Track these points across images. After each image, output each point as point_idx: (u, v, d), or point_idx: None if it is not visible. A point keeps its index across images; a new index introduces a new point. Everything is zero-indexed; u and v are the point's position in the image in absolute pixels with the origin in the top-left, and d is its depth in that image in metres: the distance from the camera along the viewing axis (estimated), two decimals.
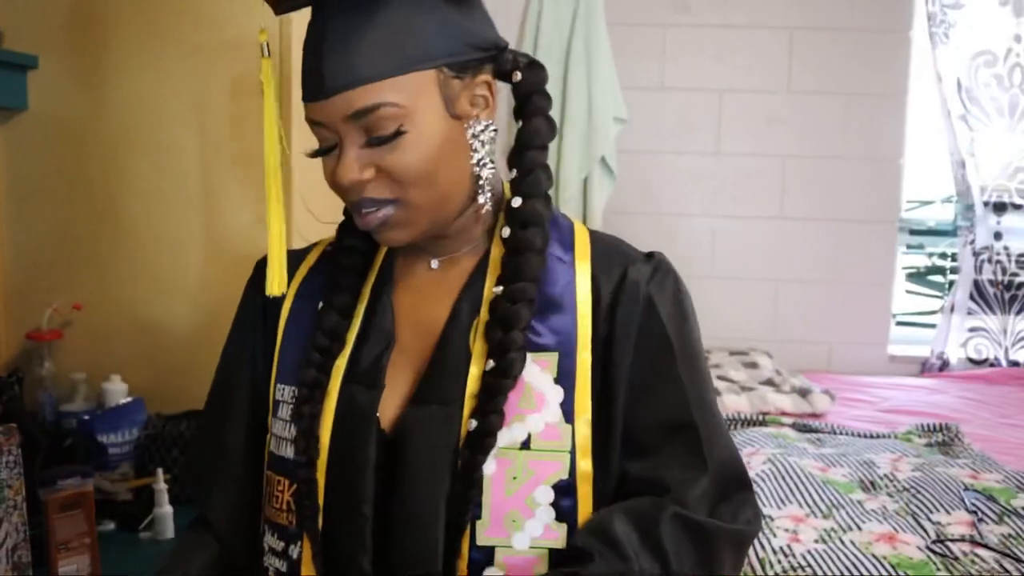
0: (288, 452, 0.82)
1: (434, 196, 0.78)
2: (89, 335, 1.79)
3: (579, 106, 2.33)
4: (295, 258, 0.91)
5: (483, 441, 0.76)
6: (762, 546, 1.42)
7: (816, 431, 2.13)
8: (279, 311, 0.89)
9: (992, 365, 2.95)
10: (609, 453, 0.79)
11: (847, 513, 1.53)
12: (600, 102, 2.33)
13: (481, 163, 0.80)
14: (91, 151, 1.76)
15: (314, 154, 0.79)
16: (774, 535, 1.45)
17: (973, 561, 1.36)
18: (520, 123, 0.84)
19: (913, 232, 3.12)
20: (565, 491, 0.77)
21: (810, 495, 1.61)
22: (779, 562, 1.38)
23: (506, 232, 0.81)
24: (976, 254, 2.92)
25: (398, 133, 0.74)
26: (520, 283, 0.79)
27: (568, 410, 0.78)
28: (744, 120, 2.91)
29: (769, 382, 2.49)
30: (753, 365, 2.63)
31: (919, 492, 1.61)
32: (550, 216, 0.83)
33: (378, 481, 0.78)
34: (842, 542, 1.42)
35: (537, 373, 0.79)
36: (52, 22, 1.75)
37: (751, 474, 1.70)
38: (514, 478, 0.76)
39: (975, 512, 1.52)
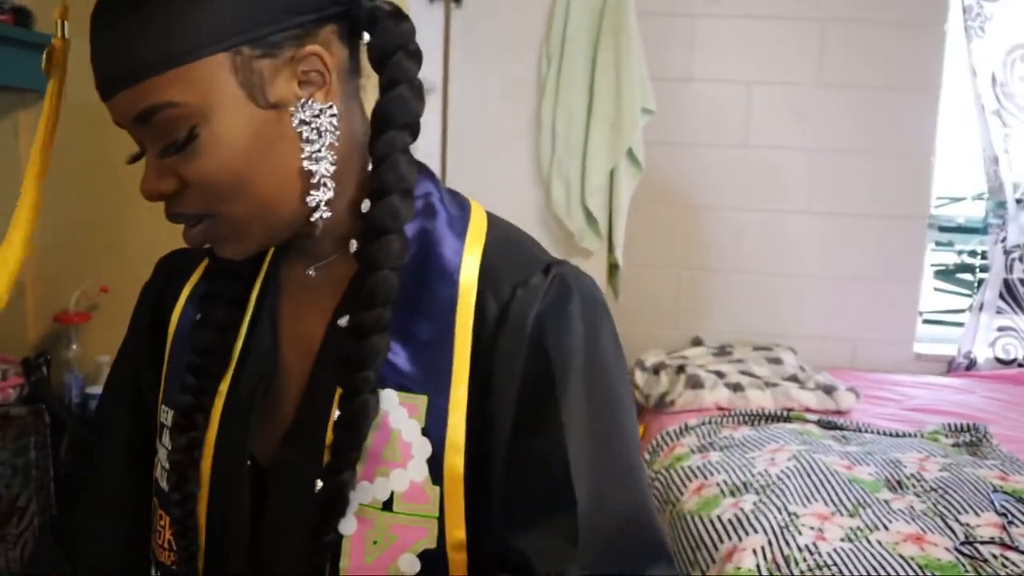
0: (167, 485, 0.72)
1: (253, 206, 0.64)
2: (115, 318, 1.80)
3: (607, 97, 2.31)
4: (191, 258, 0.80)
5: (331, 505, 0.64)
6: (787, 543, 1.41)
7: (841, 428, 2.11)
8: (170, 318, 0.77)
9: (1021, 365, 2.89)
10: (490, 517, 0.66)
11: (873, 512, 1.51)
12: (628, 93, 2.30)
13: (315, 156, 0.64)
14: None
15: (130, 160, 0.68)
16: (799, 532, 1.44)
17: (1004, 565, 1.34)
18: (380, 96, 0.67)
19: (943, 229, 3.07)
20: (433, 561, 0.65)
21: (836, 493, 1.59)
22: (804, 560, 1.36)
23: (353, 245, 0.66)
24: (1007, 252, 2.87)
25: (191, 137, 0.61)
26: (371, 311, 0.64)
27: (436, 468, 0.65)
28: (773, 113, 2.87)
29: (793, 378, 2.46)
30: (777, 361, 2.60)
31: (947, 493, 1.59)
32: (410, 215, 0.66)
33: (254, 527, 0.69)
34: (869, 541, 1.40)
35: (404, 418, 0.65)
36: (83, 4, 1.76)
37: (775, 471, 1.69)
38: (375, 542, 0.65)
39: (1005, 514, 1.49)
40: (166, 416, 0.73)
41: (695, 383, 2.35)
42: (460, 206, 0.71)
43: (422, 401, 0.65)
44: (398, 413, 0.65)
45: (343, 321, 0.66)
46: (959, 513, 1.51)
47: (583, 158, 2.33)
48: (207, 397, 0.71)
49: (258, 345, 0.72)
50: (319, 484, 0.64)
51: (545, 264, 0.68)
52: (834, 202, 2.88)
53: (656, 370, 2.53)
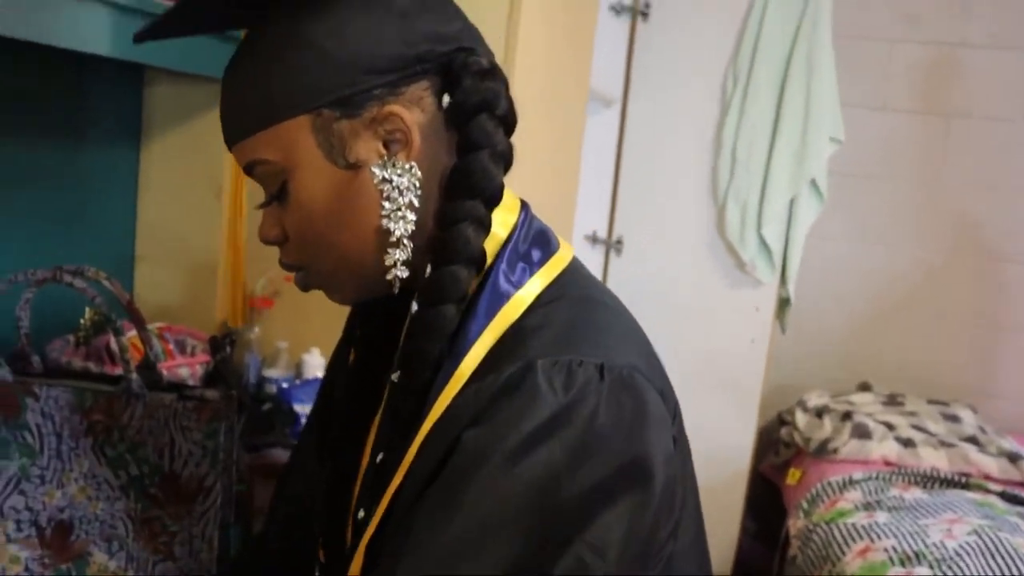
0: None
1: (336, 261, 0.67)
2: (296, 306, 1.88)
3: (794, 123, 2.20)
4: None
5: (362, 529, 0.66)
6: None
7: None
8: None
9: None
10: None
11: None
12: (817, 120, 2.19)
13: (393, 216, 0.64)
14: None
15: (258, 206, 0.70)
16: None
17: None
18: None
19: None
20: None
21: None
22: None
23: (415, 307, 0.64)
24: None
25: (283, 191, 0.65)
26: (415, 375, 0.63)
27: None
28: (972, 149, 2.66)
29: (972, 440, 2.27)
30: (954, 418, 2.40)
31: None
32: (469, 280, 0.63)
33: None
34: None
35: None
36: None
37: (953, 544, 1.56)
38: None
39: None
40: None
41: (862, 433, 2.21)
42: (511, 278, 0.65)
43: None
44: None
45: (396, 375, 0.66)
46: None
47: (763, 184, 2.24)
48: (358, 429, 0.74)
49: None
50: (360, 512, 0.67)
51: (525, 362, 0.59)
52: None
53: (819, 413, 2.40)
